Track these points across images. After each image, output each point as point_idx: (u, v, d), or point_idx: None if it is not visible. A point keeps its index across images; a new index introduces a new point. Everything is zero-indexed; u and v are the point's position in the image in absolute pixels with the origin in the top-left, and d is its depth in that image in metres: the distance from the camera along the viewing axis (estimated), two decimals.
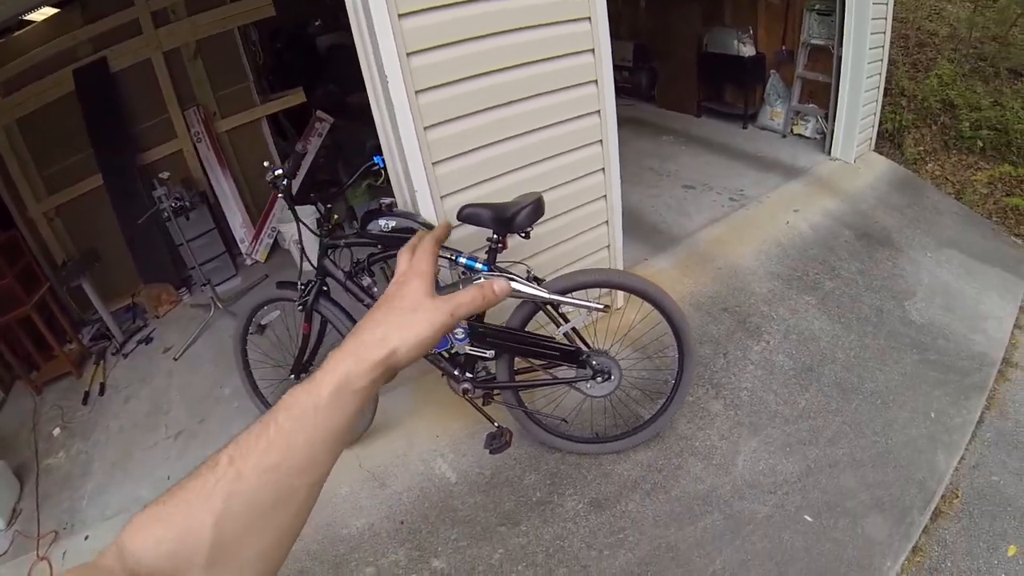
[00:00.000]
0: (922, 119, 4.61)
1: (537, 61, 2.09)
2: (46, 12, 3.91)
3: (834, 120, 4.21)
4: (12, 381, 3.82)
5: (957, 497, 2.19)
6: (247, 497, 0.41)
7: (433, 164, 2.02)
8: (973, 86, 4.62)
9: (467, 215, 1.89)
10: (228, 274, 4.16)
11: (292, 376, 2.43)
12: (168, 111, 4.15)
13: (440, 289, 1.75)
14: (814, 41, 4.36)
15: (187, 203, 3.77)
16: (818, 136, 4.60)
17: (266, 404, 2.62)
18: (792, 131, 4.77)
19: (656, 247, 3.37)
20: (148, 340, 3.83)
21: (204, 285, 3.71)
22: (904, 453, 2.27)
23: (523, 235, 1.88)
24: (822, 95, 4.44)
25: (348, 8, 1.94)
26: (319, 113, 4.22)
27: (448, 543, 2.08)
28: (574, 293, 1.95)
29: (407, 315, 0.49)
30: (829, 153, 4.35)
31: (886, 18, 3.98)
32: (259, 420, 0.44)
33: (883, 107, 4.43)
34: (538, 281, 1.94)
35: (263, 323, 2.77)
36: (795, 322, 2.94)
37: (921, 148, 4.49)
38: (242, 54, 4.25)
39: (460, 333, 1.93)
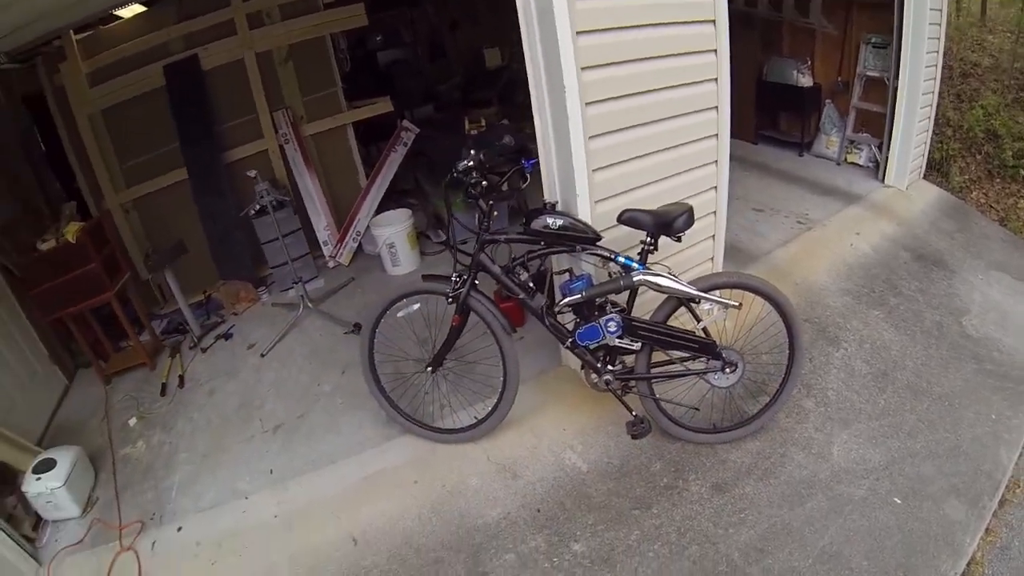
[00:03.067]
0: (967, 148, 5.11)
1: (679, 86, 2.55)
2: (135, 9, 4.21)
3: (888, 149, 4.69)
4: (76, 370, 3.98)
5: (1019, 487, 2.59)
6: None
7: (592, 171, 2.41)
8: (1015, 116, 5.12)
9: (628, 218, 2.26)
10: (311, 275, 4.45)
11: (429, 369, 2.70)
12: (256, 111, 4.43)
13: (594, 286, 2.20)
14: (869, 73, 4.85)
15: (281, 202, 4.06)
16: (871, 164, 5.08)
17: (390, 400, 2.81)
18: (846, 159, 5.26)
19: (738, 264, 3.78)
20: (228, 336, 4.06)
21: (295, 283, 3.98)
22: (972, 448, 2.67)
23: (676, 239, 2.26)
24: (875, 125, 4.92)
25: (522, 23, 2.33)
26: (405, 123, 4.58)
27: (586, 528, 2.37)
28: (711, 292, 2.33)
29: None
30: (883, 181, 4.83)
31: (938, 51, 4.49)
32: None
33: (931, 137, 4.91)
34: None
35: (400, 315, 3.03)
36: (867, 333, 3.36)
37: (967, 176, 4.98)
38: (332, 60, 4.56)
39: (613, 326, 2.30)
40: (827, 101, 5.32)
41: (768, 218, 4.49)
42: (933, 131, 4.93)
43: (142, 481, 2.92)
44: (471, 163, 2.26)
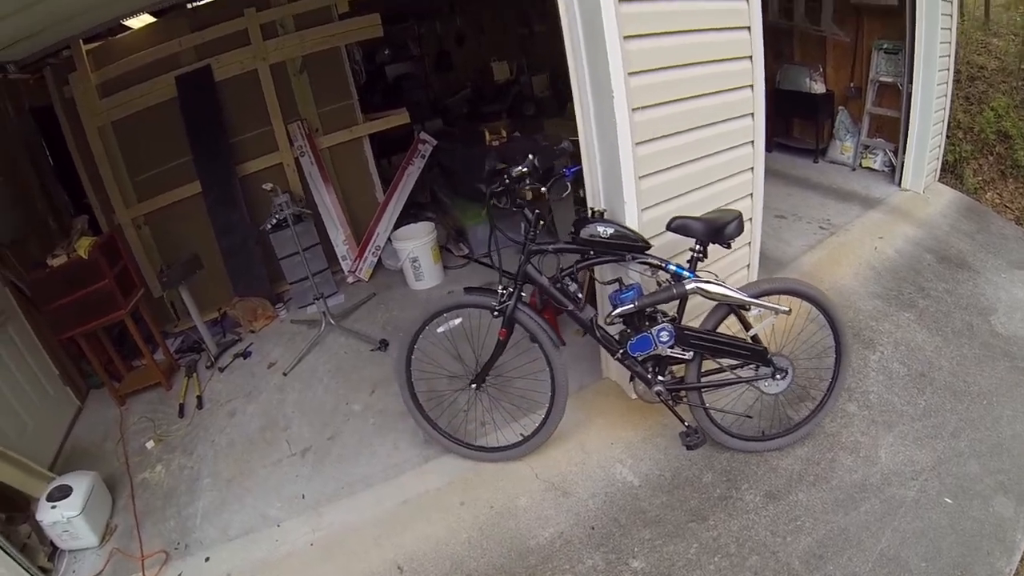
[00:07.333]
0: (979, 150, 5.21)
1: (718, 92, 2.61)
2: (145, 19, 4.21)
3: (904, 153, 4.78)
4: (88, 390, 3.89)
5: None
6: None
7: (639, 178, 2.43)
8: None
9: (678, 226, 2.28)
10: (330, 290, 4.41)
11: (472, 386, 2.66)
12: (271, 123, 4.41)
13: (645, 296, 2.19)
14: (882, 78, 4.95)
15: (300, 215, 4.01)
16: (886, 169, 5.18)
17: (429, 419, 2.75)
18: (861, 164, 5.35)
19: (767, 270, 3.82)
20: (246, 355, 3.99)
21: (316, 299, 3.95)
22: (1014, 444, 2.70)
23: (726, 246, 2.28)
24: (889, 129, 5.02)
25: (564, 29, 2.35)
26: (423, 135, 4.61)
27: (643, 543, 2.35)
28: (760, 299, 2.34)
29: None
30: (899, 184, 4.91)
31: (950, 56, 4.58)
32: None
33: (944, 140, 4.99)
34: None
35: (440, 330, 2.98)
36: (901, 335, 3.40)
37: (980, 178, 5.07)
38: (348, 72, 4.56)
39: (666, 336, 2.30)
40: (840, 107, 5.42)
41: (791, 224, 4.57)
42: (945, 134, 5.02)
43: (163, 508, 2.85)
44: (526, 168, 2.25)
